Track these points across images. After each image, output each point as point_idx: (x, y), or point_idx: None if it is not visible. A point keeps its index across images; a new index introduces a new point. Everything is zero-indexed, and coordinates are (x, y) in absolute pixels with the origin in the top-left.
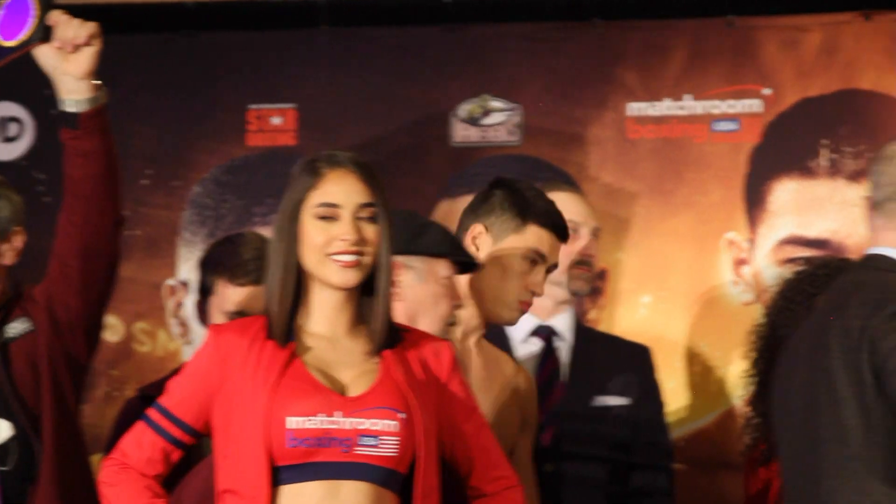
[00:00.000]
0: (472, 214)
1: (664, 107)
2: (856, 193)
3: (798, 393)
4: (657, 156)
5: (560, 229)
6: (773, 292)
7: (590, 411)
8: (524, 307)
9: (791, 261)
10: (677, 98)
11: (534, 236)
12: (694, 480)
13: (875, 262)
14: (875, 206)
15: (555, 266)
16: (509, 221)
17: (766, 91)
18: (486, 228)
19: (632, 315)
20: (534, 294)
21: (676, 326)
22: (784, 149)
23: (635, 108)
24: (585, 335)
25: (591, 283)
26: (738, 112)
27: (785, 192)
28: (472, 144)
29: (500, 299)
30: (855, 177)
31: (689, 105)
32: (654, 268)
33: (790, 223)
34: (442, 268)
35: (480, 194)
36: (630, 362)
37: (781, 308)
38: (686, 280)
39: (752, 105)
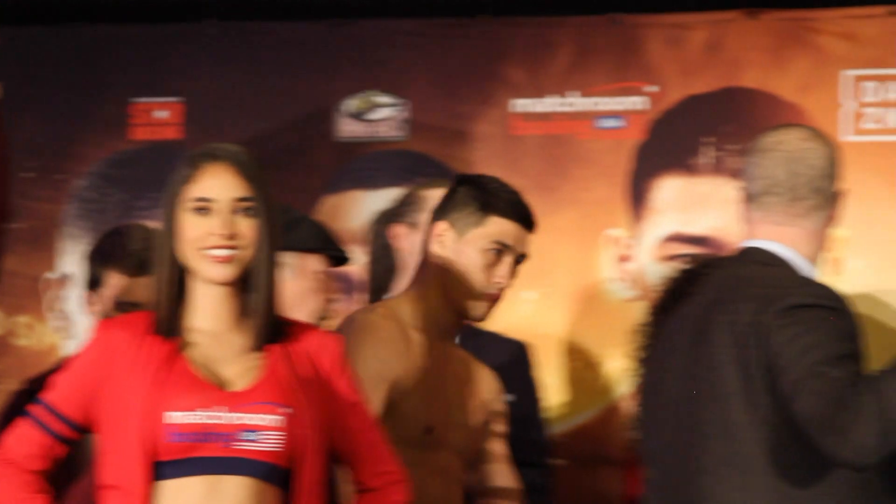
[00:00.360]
0: (437, 213)
1: (549, 103)
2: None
3: (675, 386)
4: (542, 152)
5: (524, 219)
6: (657, 290)
7: None
8: (491, 300)
9: (673, 258)
10: (562, 95)
11: (496, 227)
12: (574, 476)
13: (754, 256)
14: (751, 198)
15: (524, 256)
16: (471, 215)
17: (651, 88)
18: (450, 225)
19: (515, 311)
20: (501, 286)
21: (559, 323)
22: (668, 146)
23: (520, 105)
24: (465, 331)
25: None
26: (622, 109)
27: (668, 190)
28: (358, 139)
29: (467, 294)
30: (738, 175)
31: (575, 102)
32: (537, 264)
33: (673, 220)
34: (314, 263)
35: (445, 193)
36: (509, 358)
37: (668, 304)
38: (569, 276)
39: (636, 102)
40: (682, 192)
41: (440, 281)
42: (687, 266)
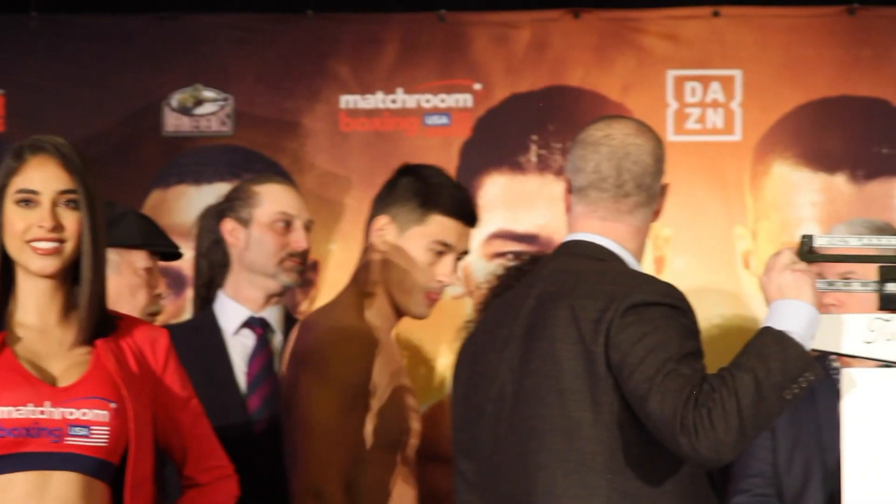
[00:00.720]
0: (378, 204)
1: (376, 100)
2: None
3: (508, 381)
4: (369, 148)
5: (467, 216)
6: (485, 288)
7: None
8: (432, 299)
9: (500, 255)
10: (389, 91)
11: (437, 226)
12: None
13: (582, 249)
14: (576, 191)
15: (465, 252)
16: (412, 212)
17: (477, 86)
18: (392, 219)
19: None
20: (443, 284)
21: None
22: (494, 144)
23: (348, 101)
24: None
25: (303, 275)
26: (449, 106)
27: (495, 187)
28: (184, 134)
29: (407, 292)
30: (563, 172)
31: (401, 98)
32: None
33: (499, 218)
34: (138, 258)
35: (387, 183)
36: None
37: (491, 302)
38: None
39: (462, 100)
40: (508, 189)
41: (382, 277)
42: (515, 262)
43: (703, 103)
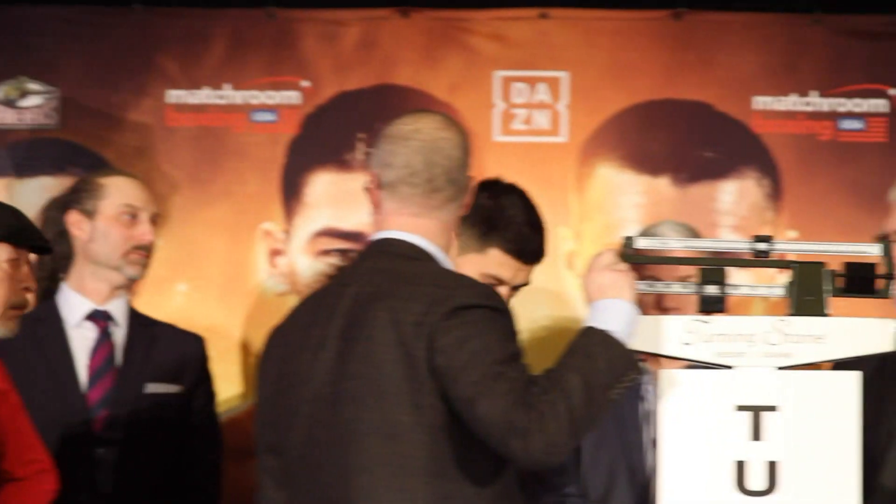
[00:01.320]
0: None
1: (203, 95)
2: None
3: (324, 382)
4: (196, 144)
5: (527, 255)
6: (311, 285)
7: (142, 398)
8: None
9: (326, 252)
10: (217, 87)
11: (494, 260)
12: (226, 469)
13: (394, 248)
14: (385, 187)
15: (523, 285)
16: (473, 238)
17: (305, 83)
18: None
19: (167, 303)
20: None
21: (212, 315)
22: (321, 141)
23: (174, 96)
24: (140, 321)
25: (147, 268)
26: (276, 103)
27: (321, 185)
28: (8, 127)
29: None
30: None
31: (229, 94)
32: (190, 256)
33: (326, 215)
34: (1, 251)
35: None
36: (184, 350)
37: (319, 299)
38: (222, 269)
39: (290, 97)
40: (335, 187)
41: None
42: (340, 261)
43: (530, 104)
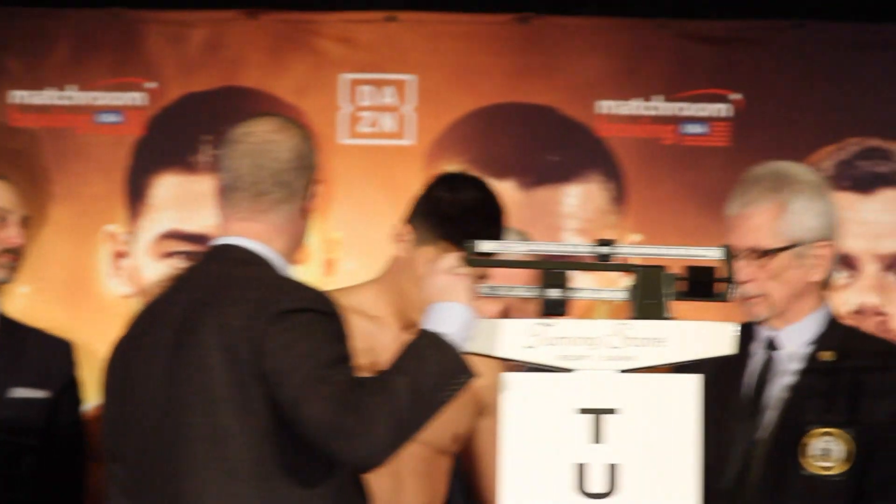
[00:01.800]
0: (410, 213)
1: (47, 96)
2: None
3: (158, 387)
4: (41, 145)
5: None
6: (155, 287)
7: (8, 402)
8: None
9: (171, 255)
10: (61, 88)
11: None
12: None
13: (230, 254)
14: (221, 192)
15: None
16: (427, 231)
17: (151, 84)
18: (413, 229)
19: (10, 305)
20: None
21: (54, 317)
22: (167, 143)
23: (18, 96)
24: (7, 325)
25: (16, 272)
26: (121, 104)
27: (166, 187)
28: None
29: (416, 303)
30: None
31: (74, 95)
32: (32, 258)
33: (171, 217)
34: None
35: (420, 192)
36: (51, 356)
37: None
38: (65, 271)
39: (135, 98)
40: (180, 189)
41: (399, 280)
42: (184, 263)
43: (376, 107)
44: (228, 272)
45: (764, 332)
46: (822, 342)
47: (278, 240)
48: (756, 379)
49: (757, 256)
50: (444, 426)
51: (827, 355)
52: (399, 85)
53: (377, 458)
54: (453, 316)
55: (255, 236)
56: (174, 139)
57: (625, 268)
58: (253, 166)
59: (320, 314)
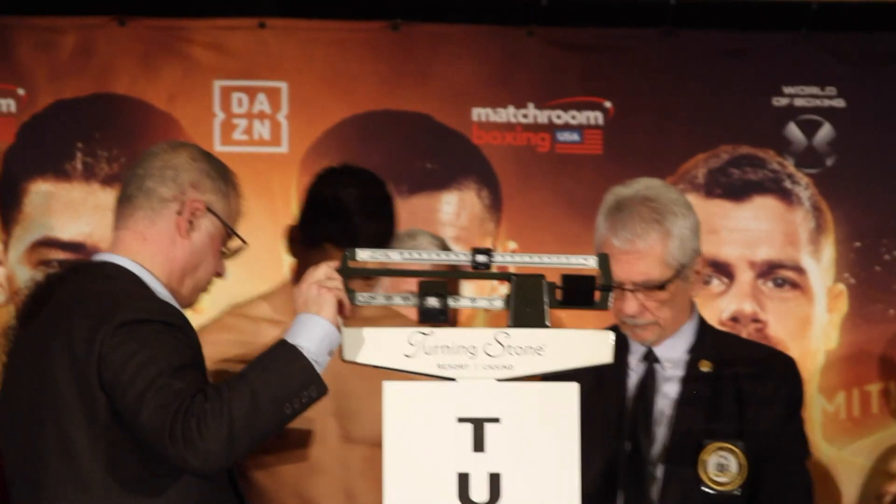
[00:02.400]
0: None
1: None
2: (110, 197)
3: (23, 401)
4: None
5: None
6: (22, 294)
7: None
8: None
9: (45, 263)
10: None
11: (329, 255)
12: None
13: (95, 270)
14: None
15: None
16: (307, 232)
17: (21, 91)
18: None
19: None
20: None
21: None
22: (38, 150)
23: None
24: None
25: None
26: None
27: (40, 194)
28: None
29: None
30: (109, 181)
31: None
32: None
33: (44, 225)
34: None
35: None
36: None
37: (30, 311)
38: None
39: (5, 105)
40: (54, 196)
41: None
42: (50, 271)
43: (250, 114)
44: (87, 286)
45: (640, 345)
46: (699, 351)
47: (143, 251)
48: (637, 392)
49: (647, 289)
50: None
51: (706, 365)
52: (272, 92)
53: (209, 465)
54: (314, 329)
55: (122, 249)
56: (46, 146)
57: (503, 276)
58: (128, 178)
59: (162, 324)
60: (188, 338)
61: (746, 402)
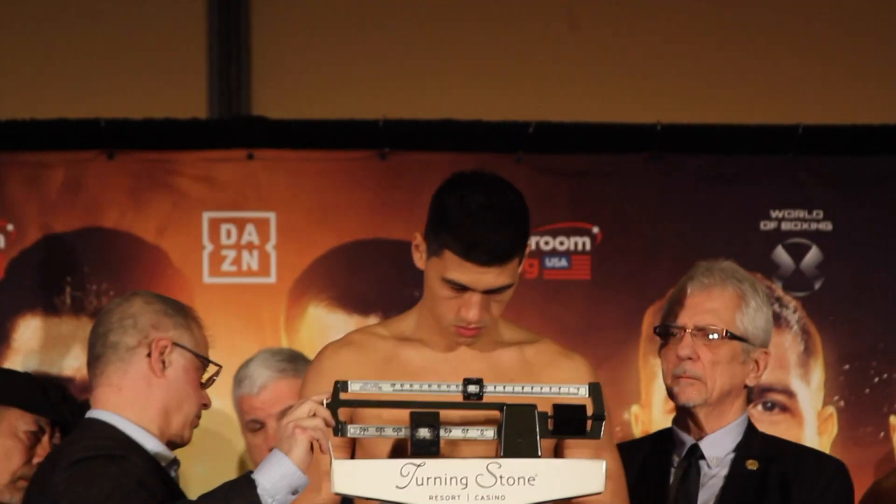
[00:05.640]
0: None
1: None
2: None
3: None
4: None
5: (479, 254)
6: None
7: None
8: (461, 334)
9: None
10: None
11: (449, 264)
12: None
13: (85, 426)
14: None
15: (499, 289)
16: (432, 240)
17: (10, 227)
18: (424, 239)
19: None
20: (469, 323)
21: None
22: (27, 285)
23: None
24: None
25: None
26: None
27: (29, 329)
28: None
29: (437, 321)
30: (98, 314)
31: None
32: None
33: (35, 360)
34: (21, 420)
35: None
36: None
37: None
38: None
39: None
40: (43, 331)
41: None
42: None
43: (239, 245)
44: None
45: (687, 440)
46: (744, 450)
47: (120, 400)
48: (679, 489)
49: (706, 335)
50: None
51: (752, 464)
52: (260, 223)
53: None
54: (275, 468)
55: (101, 404)
56: (35, 281)
57: (494, 406)
58: (90, 339)
59: (109, 458)
60: (135, 469)
61: (793, 501)
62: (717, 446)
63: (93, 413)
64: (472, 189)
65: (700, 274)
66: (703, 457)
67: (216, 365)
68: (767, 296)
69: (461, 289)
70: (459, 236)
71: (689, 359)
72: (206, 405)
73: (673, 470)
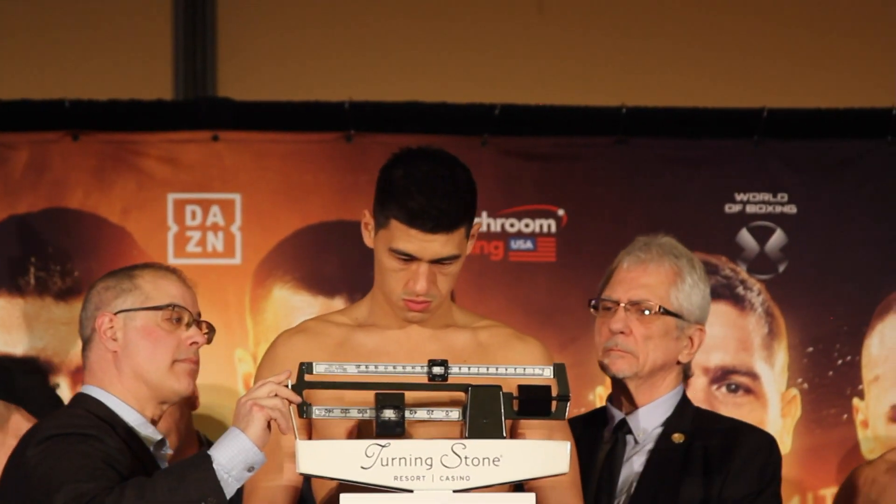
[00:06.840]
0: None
1: None
2: (64, 312)
3: None
4: None
5: (425, 221)
6: None
7: None
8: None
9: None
10: None
11: (395, 234)
12: None
13: (74, 401)
14: None
15: (446, 259)
16: (378, 212)
17: None
18: (373, 215)
19: None
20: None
21: None
22: None
23: None
24: None
25: None
26: None
27: None
28: None
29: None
30: (62, 295)
31: None
32: None
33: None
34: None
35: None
36: None
37: None
38: None
39: None
40: (6, 312)
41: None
42: None
43: (204, 227)
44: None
45: (617, 415)
46: (673, 424)
47: (94, 377)
48: (605, 463)
49: (640, 310)
50: None
51: (678, 437)
52: (225, 204)
53: None
54: (231, 444)
55: (87, 380)
56: (1, 262)
57: (459, 387)
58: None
59: (82, 436)
60: (106, 445)
61: (713, 474)
62: (647, 420)
63: (84, 388)
64: (417, 161)
65: (637, 249)
66: (630, 431)
67: (178, 307)
68: (706, 272)
69: (408, 259)
70: (404, 204)
71: (622, 333)
72: (195, 342)
73: (603, 445)
